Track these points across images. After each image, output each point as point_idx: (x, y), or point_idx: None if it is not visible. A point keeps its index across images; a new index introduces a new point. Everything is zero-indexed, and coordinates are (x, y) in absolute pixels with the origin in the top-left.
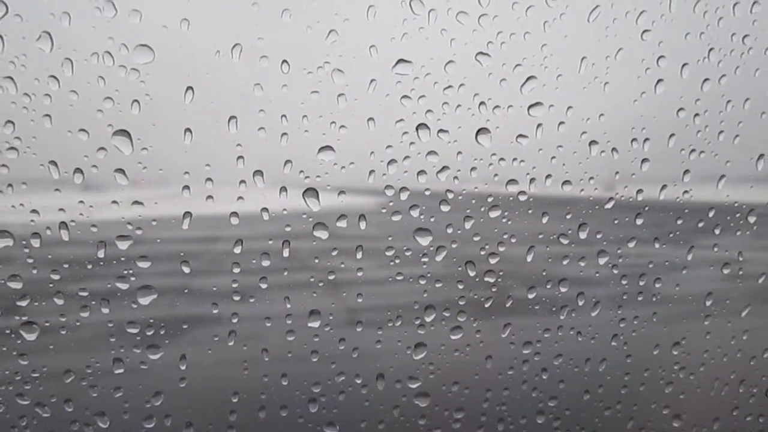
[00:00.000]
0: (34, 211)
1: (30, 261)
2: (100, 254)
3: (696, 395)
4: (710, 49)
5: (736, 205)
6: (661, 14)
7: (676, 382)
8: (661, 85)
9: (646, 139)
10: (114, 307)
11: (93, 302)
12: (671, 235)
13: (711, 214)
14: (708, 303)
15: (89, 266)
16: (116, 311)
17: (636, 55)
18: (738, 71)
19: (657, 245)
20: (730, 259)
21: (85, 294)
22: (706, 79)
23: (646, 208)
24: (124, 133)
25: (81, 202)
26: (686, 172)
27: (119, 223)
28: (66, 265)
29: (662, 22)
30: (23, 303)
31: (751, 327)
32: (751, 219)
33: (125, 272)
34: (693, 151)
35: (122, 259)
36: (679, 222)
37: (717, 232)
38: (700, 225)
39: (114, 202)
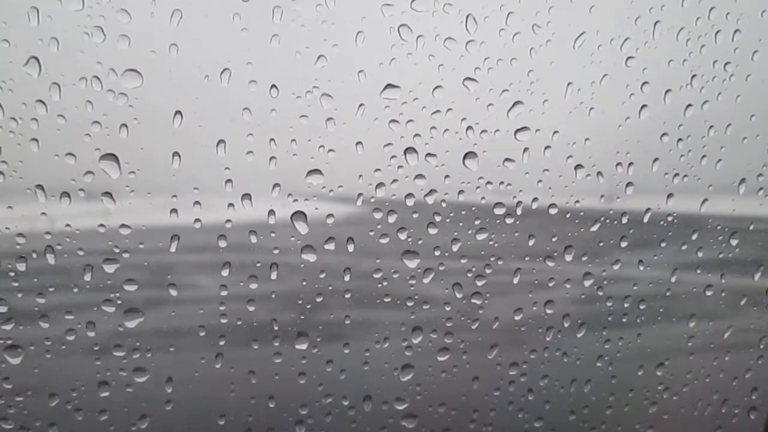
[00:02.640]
0: (20, 234)
1: (15, 285)
2: (87, 278)
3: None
4: (693, 76)
5: (718, 228)
6: (645, 41)
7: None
8: (645, 110)
9: (631, 164)
10: (100, 331)
11: (79, 325)
12: (655, 258)
13: (694, 237)
14: (692, 324)
15: (75, 290)
16: (102, 334)
17: (620, 81)
18: (720, 97)
19: (642, 267)
20: (712, 281)
21: (70, 318)
22: (689, 105)
23: (631, 231)
24: (111, 157)
25: (68, 225)
26: (670, 195)
27: (106, 247)
28: (52, 289)
29: (646, 49)
30: (8, 327)
31: (734, 347)
32: (734, 242)
33: (112, 296)
34: (676, 175)
35: (109, 282)
36: (663, 245)
37: (700, 255)
38: (684, 248)
39: (101, 225)
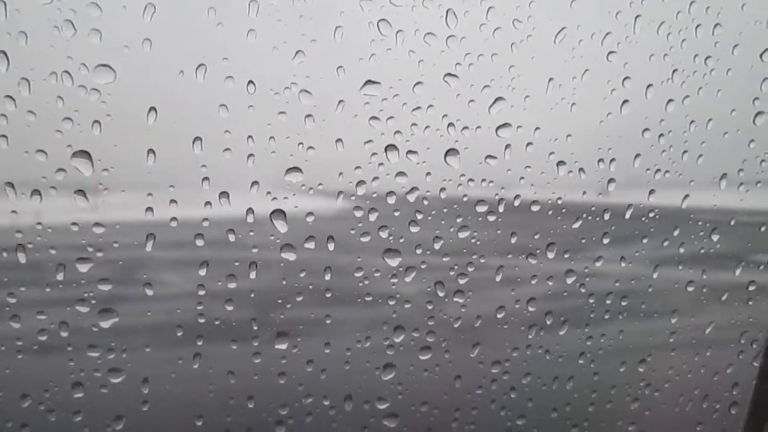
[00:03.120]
0: None
1: None
2: (59, 277)
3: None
4: (674, 71)
5: (699, 224)
6: (626, 36)
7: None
8: (627, 105)
9: (613, 159)
10: (73, 330)
11: (51, 326)
12: (637, 254)
13: (676, 233)
14: (673, 320)
15: (47, 289)
16: (76, 334)
17: (602, 77)
18: (701, 92)
19: (623, 264)
20: (693, 276)
21: (43, 317)
22: (670, 100)
23: (613, 227)
24: (84, 154)
25: (39, 224)
26: (652, 191)
27: (79, 245)
28: (23, 288)
29: (627, 44)
30: None
31: (715, 343)
32: (715, 237)
33: (85, 295)
34: (658, 170)
35: (82, 281)
36: (645, 240)
37: (682, 250)
38: (665, 244)
39: (74, 224)
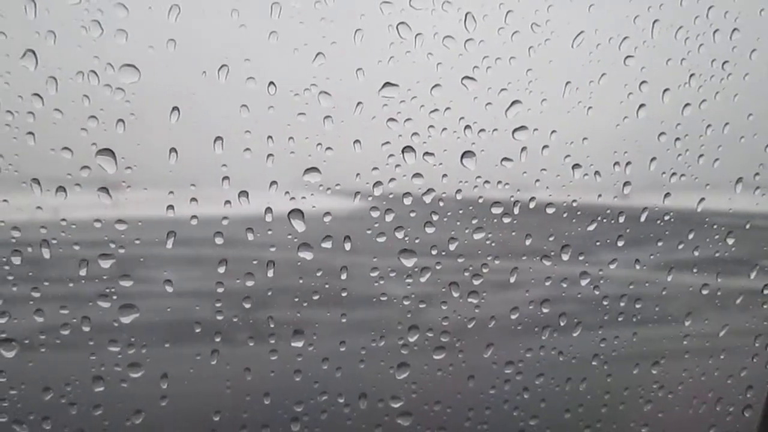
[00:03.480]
0: (15, 228)
1: (10, 279)
2: (82, 273)
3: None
4: (691, 75)
5: (715, 227)
6: (644, 41)
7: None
8: (643, 109)
9: (628, 163)
10: (95, 326)
11: (73, 320)
12: (652, 257)
13: (691, 236)
14: (687, 323)
15: (70, 284)
16: (97, 330)
17: (619, 81)
18: (718, 96)
19: (638, 267)
20: (708, 279)
21: (65, 312)
22: (687, 104)
23: (628, 230)
24: (108, 152)
25: (63, 220)
26: (667, 195)
27: (102, 242)
28: (47, 283)
29: (644, 48)
30: (2, 320)
31: (729, 346)
32: (730, 241)
33: (107, 290)
34: (674, 174)
35: (104, 277)
36: (660, 244)
37: (696, 254)
38: (680, 247)
39: (97, 220)
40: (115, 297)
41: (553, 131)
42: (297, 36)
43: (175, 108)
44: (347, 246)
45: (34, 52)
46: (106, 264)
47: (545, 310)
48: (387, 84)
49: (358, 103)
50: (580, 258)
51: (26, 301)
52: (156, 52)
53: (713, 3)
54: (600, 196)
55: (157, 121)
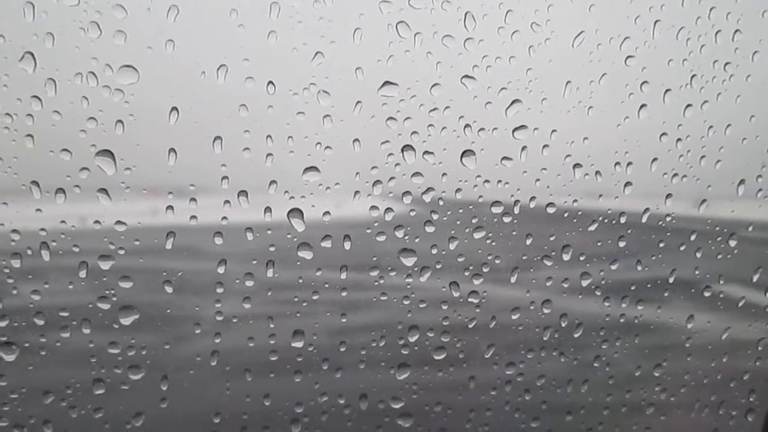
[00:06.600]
0: (14, 231)
1: (10, 281)
2: (82, 274)
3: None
4: (693, 76)
5: (717, 229)
6: (645, 41)
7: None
8: (644, 110)
9: (629, 163)
10: (95, 328)
11: (73, 322)
12: (653, 258)
13: (693, 238)
14: (689, 326)
15: (70, 287)
16: (97, 331)
17: (619, 81)
18: (720, 97)
19: (639, 268)
20: (710, 281)
21: (65, 315)
22: (689, 105)
23: (629, 231)
24: (107, 153)
25: (63, 222)
26: (668, 196)
27: (101, 243)
28: (46, 286)
29: (646, 49)
30: (2, 324)
31: (732, 349)
32: (732, 243)
33: (107, 292)
34: (675, 175)
35: (104, 279)
36: (661, 245)
37: (698, 255)
38: (682, 248)
39: (96, 222)
40: (114, 299)
41: (554, 131)
42: (296, 35)
43: (174, 108)
44: (347, 245)
45: (32, 54)
46: (105, 265)
47: (546, 311)
48: (386, 83)
49: (358, 102)
50: (581, 258)
51: (26, 304)
52: (155, 53)
53: (715, 4)
54: (601, 196)
55: (156, 121)
